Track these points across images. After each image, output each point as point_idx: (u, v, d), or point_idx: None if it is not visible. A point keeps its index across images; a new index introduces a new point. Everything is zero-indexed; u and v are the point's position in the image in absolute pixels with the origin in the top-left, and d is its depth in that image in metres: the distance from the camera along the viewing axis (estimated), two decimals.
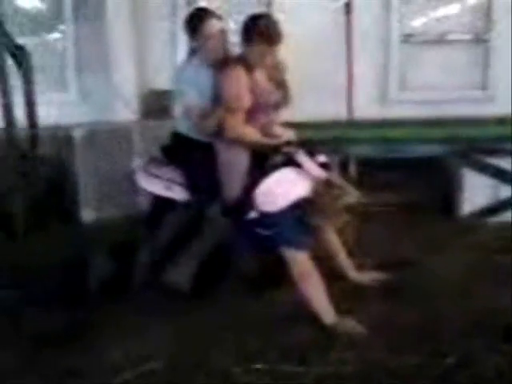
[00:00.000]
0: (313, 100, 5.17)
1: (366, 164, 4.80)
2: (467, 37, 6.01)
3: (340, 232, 3.30)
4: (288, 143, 3.22)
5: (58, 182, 4.77)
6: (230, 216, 3.16)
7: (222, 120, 3.09)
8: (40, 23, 6.06)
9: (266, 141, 3.17)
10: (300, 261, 2.89)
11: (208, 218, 3.31)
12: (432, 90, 5.92)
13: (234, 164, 3.13)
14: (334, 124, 5.36)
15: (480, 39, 5.99)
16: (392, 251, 3.79)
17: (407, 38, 5.98)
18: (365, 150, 4.88)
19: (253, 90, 3.07)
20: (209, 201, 3.27)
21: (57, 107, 5.47)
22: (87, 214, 4.80)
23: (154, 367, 2.58)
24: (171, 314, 3.03)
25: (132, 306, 3.17)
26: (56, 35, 6.04)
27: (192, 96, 3.21)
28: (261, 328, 2.88)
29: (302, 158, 3.04)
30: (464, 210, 4.75)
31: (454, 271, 3.46)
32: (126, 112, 5.33)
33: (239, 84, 3.04)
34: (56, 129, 4.94)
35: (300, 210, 2.92)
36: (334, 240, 3.35)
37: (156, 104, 5.26)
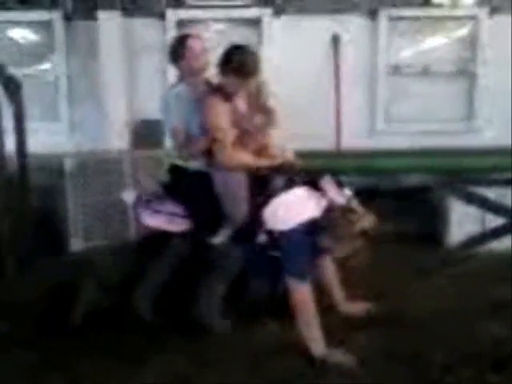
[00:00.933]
0: (301, 130, 5.22)
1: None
2: (452, 69, 6.12)
3: (346, 259, 3.16)
4: (289, 164, 3.23)
5: (47, 211, 4.76)
6: (240, 241, 3.15)
7: (211, 149, 3.12)
8: (32, 54, 6.07)
9: (262, 163, 3.20)
10: (301, 290, 2.86)
11: (221, 252, 3.25)
12: (418, 121, 6.01)
13: (233, 190, 3.15)
14: (322, 154, 5.39)
15: (465, 71, 6.10)
16: (379, 281, 3.78)
17: (394, 70, 6.08)
18: (352, 181, 4.91)
19: (233, 118, 3.13)
20: (210, 231, 3.26)
21: (48, 136, 5.50)
22: (76, 244, 4.78)
23: None
24: (160, 349, 2.99)
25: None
26: (47, 65, 6.05)
27: (176, 120, 3.27)
28: (250, 358, 2.85)
29: (322, 181, 3.02)
30: (451, 240, 4.81)
31: (442, 301, 3.47)
32: (116, 142, 5.36)
33: (218, 115, 3.10)
34: (46, 158, 4.95)
35: (311, 230, 2.89)
36: (330, 268, 3.35)
37: (147, 134, 5.31)
